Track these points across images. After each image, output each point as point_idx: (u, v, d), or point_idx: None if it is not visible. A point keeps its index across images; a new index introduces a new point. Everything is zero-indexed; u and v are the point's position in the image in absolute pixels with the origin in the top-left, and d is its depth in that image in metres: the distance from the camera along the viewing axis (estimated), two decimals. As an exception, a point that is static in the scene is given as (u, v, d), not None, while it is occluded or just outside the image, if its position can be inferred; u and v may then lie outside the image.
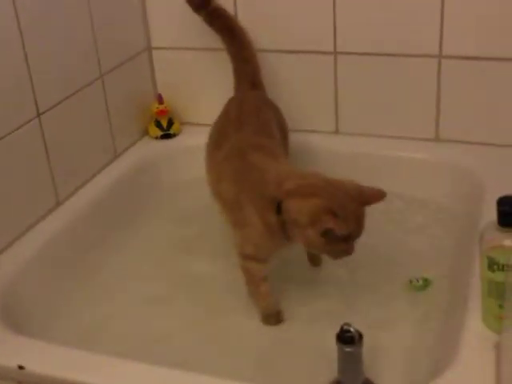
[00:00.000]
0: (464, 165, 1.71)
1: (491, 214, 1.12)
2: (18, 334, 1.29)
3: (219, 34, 1.74)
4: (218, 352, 1.37)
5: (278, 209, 1.28)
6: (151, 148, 1.93)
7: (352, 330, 1.16)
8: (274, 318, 1.43)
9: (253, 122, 1.53)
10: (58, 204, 1.62)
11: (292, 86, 1.85)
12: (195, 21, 1.85)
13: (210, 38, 1.85)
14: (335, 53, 1.78)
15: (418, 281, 1.49)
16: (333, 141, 1.88)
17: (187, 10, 1.83)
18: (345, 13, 1.73)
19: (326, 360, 1.21)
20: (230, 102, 1.67)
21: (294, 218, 1.27)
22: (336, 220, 1.23)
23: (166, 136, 1.95)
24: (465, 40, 1.67)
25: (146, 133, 1.99)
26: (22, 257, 1.46)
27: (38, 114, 1.53)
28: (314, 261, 1.56)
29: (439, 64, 1.71)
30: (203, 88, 1.96)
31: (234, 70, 1.73)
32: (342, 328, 1.18)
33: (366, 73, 1.78)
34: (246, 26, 1.80)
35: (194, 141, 1.92)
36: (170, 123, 1.96)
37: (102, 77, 1.75)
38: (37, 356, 1.21)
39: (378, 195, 1.28)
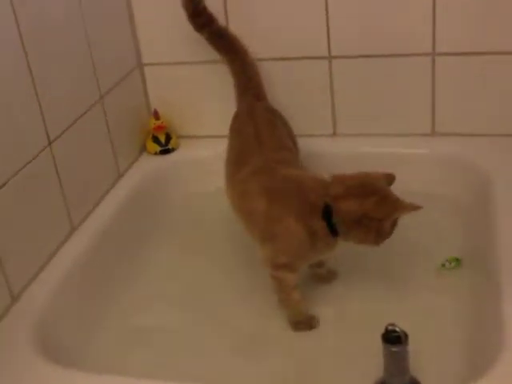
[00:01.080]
0: (464, 156, 1.78)
1: (501, 201, 1.17)
2: (57, 363, 1.29)
3: (221, 52, 1.74)
4: (259, 355, 1.41)
5: (326, 214, 1.35)
6: (153, 164, 1.94)
7: (398, 329, 1.21)
8: (304, 324, 1.47)
9: (270, 138, 1.56)
10: (73, 229, 1.62)
11: (288, 92, 1.88)
12: (184, 35, 1.86)
13: (200, 51, 1.87)
14: (330, 57, 1.82)
15: (450, 263, 1.56)
16: (331, 143, 1.92)
17: (175, 26, 1.85)
18: (337, 18, 1.77)
19: (371, 359, 1.26)
20: (239, 118, 1.67)
21: (355, 217, 1.34)
22: (403, 207, 1.33)
23: (165, 151, 1.96)
24: (457, 37, 1.72)
25: (143, 149, 2.00)
26: (51, 285, 1.45)
27: (50, 143, 1.52)
28: (327, 278, 1.59)
29: (433, 62, 1.76)
30: (197, 101, 1.98)
31: (236, 85, 1.73)
32: (386, 328, 1.22)
33: (361, 75, 1.83)
34: (238, 35, 1.82)
35: (194, 154, 1.96)
36: (168, 138, 1.97)
37: (102, 98, 1.75)
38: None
39: (388, 175, 1.41)
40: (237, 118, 1.68)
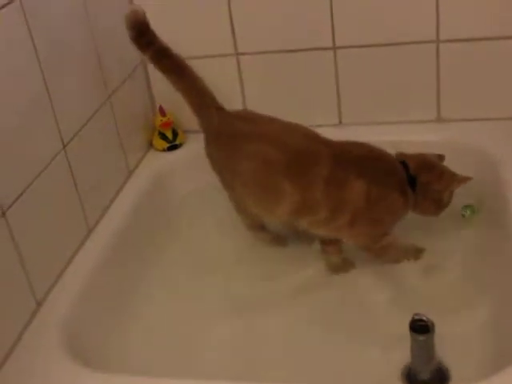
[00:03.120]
0: (470, 140, 1.80)
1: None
2: (85, 366, 1.30)
3: (168, 71, 1.63)
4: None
5: (413, 186, 1.54)
6: (162, 160, 1.95)
7: (425, 318, 1.24)
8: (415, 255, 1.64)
9: (300, 130, 1.57)
10: (90, 231, 1.63)
11: (294, 83, 1.89)
12: (184, 30, 1.87)
13: (203, 45, 1.89)
14: (334, 48, 1.83)
15: (466, 212, 1.70)
16: (337, 132, 1.91)
17: (177, 21, 1.85)
18: (341, 8, 1.78)
19: (399, 346, 1.30)
20: (235, 137, 1.59)
21: (434, 187, 1.55)
22: (460, 179, 1.56)
23: (173, 147, 1.97)
24: (461, 23, 1.74)
25: (150, 146, 2.00)
26: (73, 288, 1.47)
27: (64, 146, 1.53)
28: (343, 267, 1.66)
29: (437, 49, 1.78)
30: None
31: (192, 103, 1.65)
32: (413, 318, 1.25)
33: (365, 64, 1.84)
34: (243, 29, 1.84)
35: (203, 148, 1.95)
36: (175, 134, 1.98)
37: (110, 97, 1.76)
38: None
39: (440, 155, 1.65)
40: (232, 137, 1.60)
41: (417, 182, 1.54)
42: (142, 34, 1.58)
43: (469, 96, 1.83)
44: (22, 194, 1.36)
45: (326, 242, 1.65)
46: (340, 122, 1.94)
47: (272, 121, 1.60)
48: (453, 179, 1.55)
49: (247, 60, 1.91)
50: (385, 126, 1.89)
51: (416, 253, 1.64)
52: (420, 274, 1.59)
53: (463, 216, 1.70)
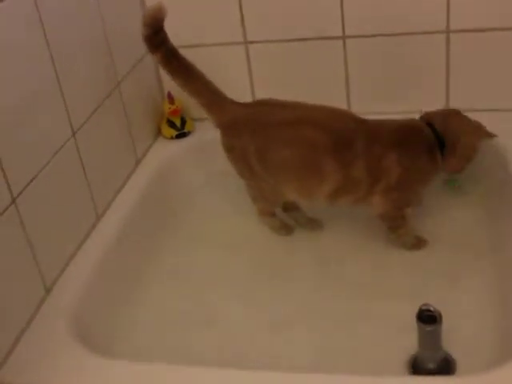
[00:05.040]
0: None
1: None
2: (94, 352, 1.31)
3: (177, 72, 1.62)
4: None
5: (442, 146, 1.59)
6: (171, 148, 1.95)
7: (432, 309, 1.24)
8: (418, 242, 1.68)
9: (328, 111, 1.62)
10: (98, 218, 1.64)
11: (303, 72, 1.90)
12: (194, 18, 1.87)
13: (211, 32, 1.89)
14: (344, 37, 1.83)
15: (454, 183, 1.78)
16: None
17: (184, 9, 1.85)
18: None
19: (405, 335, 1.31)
20: (264, 129, 1.60)
21: (462, 143, 1.59)
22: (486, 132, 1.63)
23: (182, 135, 1.97)
24: (471, 13, 1.73)
25: (158, 134, 2.01)
26: (81, 275, 1.48)
27: (73, 133, 1.53)
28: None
29: (447, 39, 1.77)
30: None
31: (206, 102, 1.65)
32: (420, 308, 1.25)
33: (375, 54, 1.84)
34: (252, 17, 1.84)
35: (211, 136, 1.93)
36: (183, 122, 1.98)
37: (119, 84, 1.76)
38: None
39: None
40: (266, 126, 1.60)
41: (445, 142, 1.58)
42: (156, 32, 1.57)
43: (478, 86, 1.82)
44: (31, 181, 1.37)
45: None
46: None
47: (304, 105, 1.61)
48: (480, 131, 1.60)
49: (256, 48, 1.91)
50: (394, 116, 1.88)
51: (418, 241, 1.67)
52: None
53: (453, 187, 1.77)
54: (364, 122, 1.59)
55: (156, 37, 1.57)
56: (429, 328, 1.24)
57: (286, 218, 1.80)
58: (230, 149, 1.66)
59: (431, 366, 1.30)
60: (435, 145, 1.58)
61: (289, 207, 1.78)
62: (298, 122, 1.58)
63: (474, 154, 1.61)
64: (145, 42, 1.59)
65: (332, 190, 1.58)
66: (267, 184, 1.65)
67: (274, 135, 1.58)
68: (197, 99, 1.65)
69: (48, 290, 1.42)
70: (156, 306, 1.57)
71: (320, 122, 1.57)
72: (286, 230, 1.78)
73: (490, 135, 1.60)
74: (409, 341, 1.30)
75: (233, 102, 1.65)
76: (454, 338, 1.31)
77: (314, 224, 1.79)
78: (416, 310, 1.25)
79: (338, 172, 1.55)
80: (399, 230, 1.66)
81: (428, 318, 1.24)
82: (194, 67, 1.63)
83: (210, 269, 1.68)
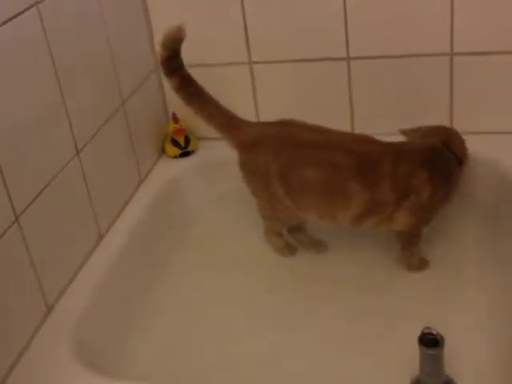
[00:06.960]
0: (483, 154, 1.77)
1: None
2: (97, 372, 1.31)
3: (191, 98, 1.63)
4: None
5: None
6: (174, 167, 1.95)
7: (434, 332, 1.23)
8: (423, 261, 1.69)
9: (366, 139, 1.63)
10: (101, 237, 1.64)
11: (307, 93, 1.90)
12: (198, 37, 1.87)
13: (213, 52, 1.90)
14: (348, 58, 1.84)
15: None
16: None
17: (189, 28, 1.85)
18: (355, 19, 1.78)
19: (407, 358, 1.30)
20: (283, 152, 1.59)
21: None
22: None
23: (185, 154, 1.98)
24: (475, 36, 1.74)
25: (161, 152, 2.01)
26: (84, 294, 1.47)
27: (78, 152, 1.54)
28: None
29: (451, 61, 1.78)
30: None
31: (219, 125, 1.65)
32: (423, 331, 1.25)
33: (379, 75, 1.84)
34: (257, 38, 1.85)
35: (215, 155, 1.96)
36: (187, 140, 1.98)
37: (124, 104, 1.77)
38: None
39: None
40: (284, 151, 1.59)
41: (462, 164, 1.63)
42: (174, 55, 1.57)
43: (482, 109, 1.83)
44: (35, 200, 1.37)
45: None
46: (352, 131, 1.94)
47: (329, 129, 1.63)
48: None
49: (261, 69, 1.92)
50: (397, 138, 1.89)
51: (423, 263, 1.67)
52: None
53: None
54: (388, 144, 1.60)
55: (173, 60, 1.57)
56: (431, 351, 1.23)
57: (290, 239, 1.79)
58: (248, 167, 1.65)
59: (433, 389, 1.30)
60: (456, 164, 1.61)
61: (294, 228, 1.78)
62: (325, 145, 1.58)
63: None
64: (162, 65, 1.59)
65: (357, 214, 1.58)
66: (281, 204, 1.64)
67: (300, 156, 1.58)
68: (211, 122, 1.65)
69: (50, 308, 1.42)
70: (158, 327, 1.56)
71: (347, 146, 1.58)
72: (289, 250, 1.78)
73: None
74: (410, 364, 1.29)
75: (250, 122, 1.67)
76: (456, 362, 1.30)
77: (318, 246, 1.78)
78: (418, 333, 1.25)
79: (365, 195, 1.55)
80: (413, 248, 1.66)
81: (430, 341, 1.24)
82: (205, 90, 1.64)
83: (213, 288, 1.68)
